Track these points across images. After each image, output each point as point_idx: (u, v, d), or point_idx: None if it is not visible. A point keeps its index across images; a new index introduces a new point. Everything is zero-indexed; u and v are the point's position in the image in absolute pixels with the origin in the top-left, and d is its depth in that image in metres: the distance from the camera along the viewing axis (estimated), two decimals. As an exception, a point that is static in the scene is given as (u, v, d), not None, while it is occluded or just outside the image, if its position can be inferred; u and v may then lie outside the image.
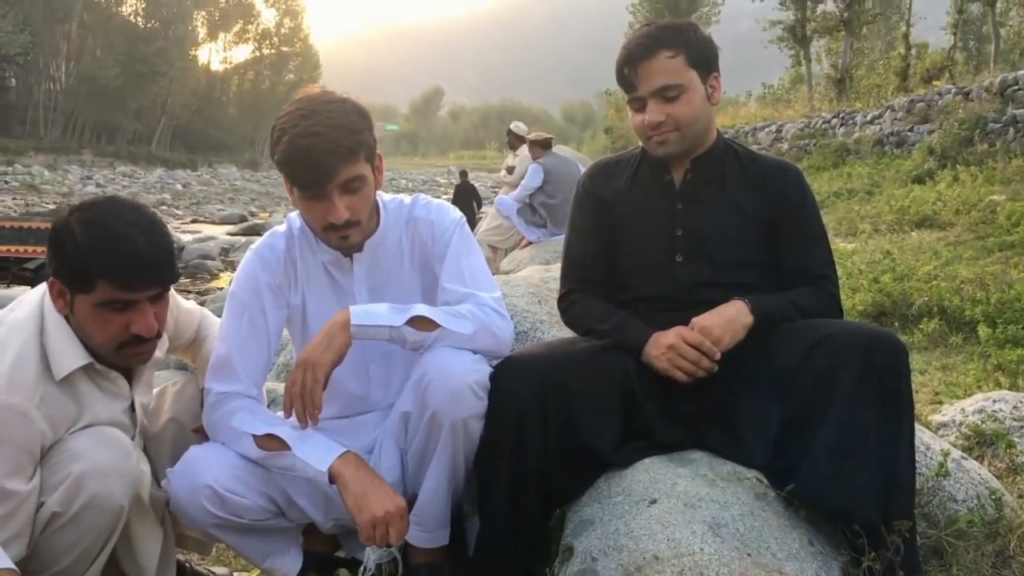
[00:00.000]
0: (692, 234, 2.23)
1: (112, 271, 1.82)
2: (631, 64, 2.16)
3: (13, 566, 1.74)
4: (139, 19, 77.30)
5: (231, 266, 16.15)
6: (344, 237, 2.05)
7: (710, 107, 2.21)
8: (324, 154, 1.93)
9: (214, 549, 2.64)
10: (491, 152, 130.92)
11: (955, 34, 27.98)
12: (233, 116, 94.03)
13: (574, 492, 2.08)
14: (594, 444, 2.04)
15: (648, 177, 2.32)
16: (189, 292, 12.77)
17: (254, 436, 2.02)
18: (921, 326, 5.29)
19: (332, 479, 1.96)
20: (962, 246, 7.97)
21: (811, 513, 1.92)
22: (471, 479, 2.13)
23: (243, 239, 19.74)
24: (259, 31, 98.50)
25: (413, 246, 2.21)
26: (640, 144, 2.33)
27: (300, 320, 2.23)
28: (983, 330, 4.89)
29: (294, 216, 2.21)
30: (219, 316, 2.31)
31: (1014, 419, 3.05)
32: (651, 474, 1.99)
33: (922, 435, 2.39)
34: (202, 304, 3.41)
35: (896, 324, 5.49)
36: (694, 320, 2.08)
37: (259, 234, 2.26)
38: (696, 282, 2.20)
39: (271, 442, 2.01)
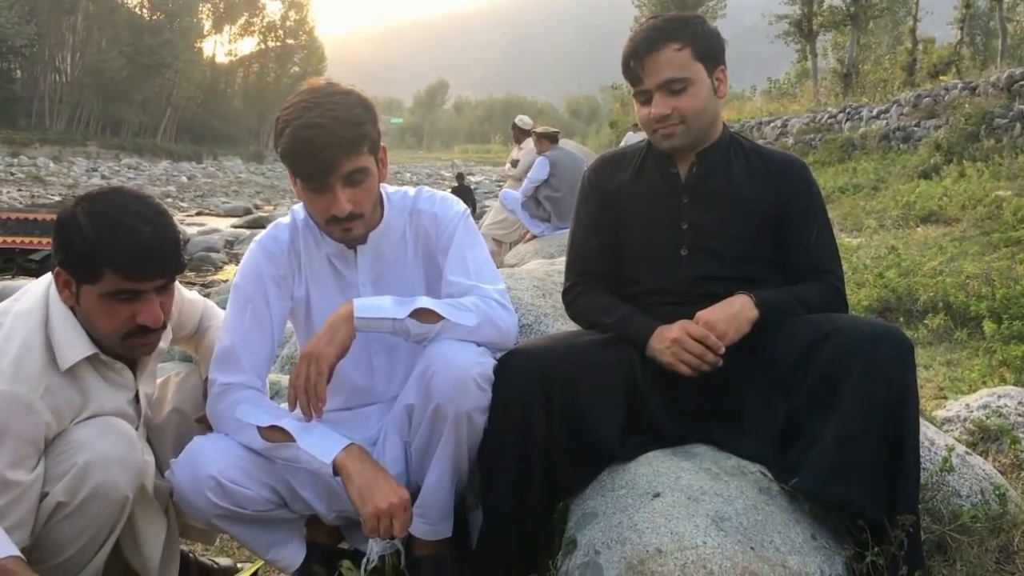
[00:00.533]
0: (697, 228, 2.23)
1: (118, 261, 1.82)
2: (637, 57, 2.15)
3: (19, 553, 1.74)
4: (144, 11, 77.46)
5: (235, 258, 16.18)
6: (347, 230, 2.05)
7: (716, 100, 2.20)
8: (326, 146, 1.92)
9: (218, 540, 2.65)
10: (496, 146, 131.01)
11: (962, 29, 27.92)
12: (238, 108, 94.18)
13: (578, 485, 2.08)
14: (598, 437, 2.04)
15: (653, 170, 2.31)
16: (193, 284, 12.81)
17: (259, 427, 2.03)
18: (926, 321, 5.28)
19: (336, 471, 1.97)
20: (967, 242, 7.95)
21: (815, 507, 1.92)
22: (474, 472, 2.14)
23: (247, 231, 19.78)
24: (264, 24, 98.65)
25: (417, 238, 2.21)
26: (644, 137, 2.33)
27: (304, 312, 2.23)
28: (988, 326, 4.89)
29: (298, 208, 2.20)
30: (223, 308, 2.31)
31: (1019, 415, 3.05)
32: (655, 467, 1.99)
33: (926, 430, 2.38)
34: (206, 296, 3.41)
35: (901, 319, 5.49)
36: (699, 314, 2.08)
37: (263, 226, 2.27)
38: (701, 276, 2.20)
39: (275, 433, 2.01)
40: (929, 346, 5.02)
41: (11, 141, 55.14)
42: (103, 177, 44.59)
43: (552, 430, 1.99)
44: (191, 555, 2.46)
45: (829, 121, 20.39)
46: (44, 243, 14.08)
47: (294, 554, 2.23)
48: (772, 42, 35.14)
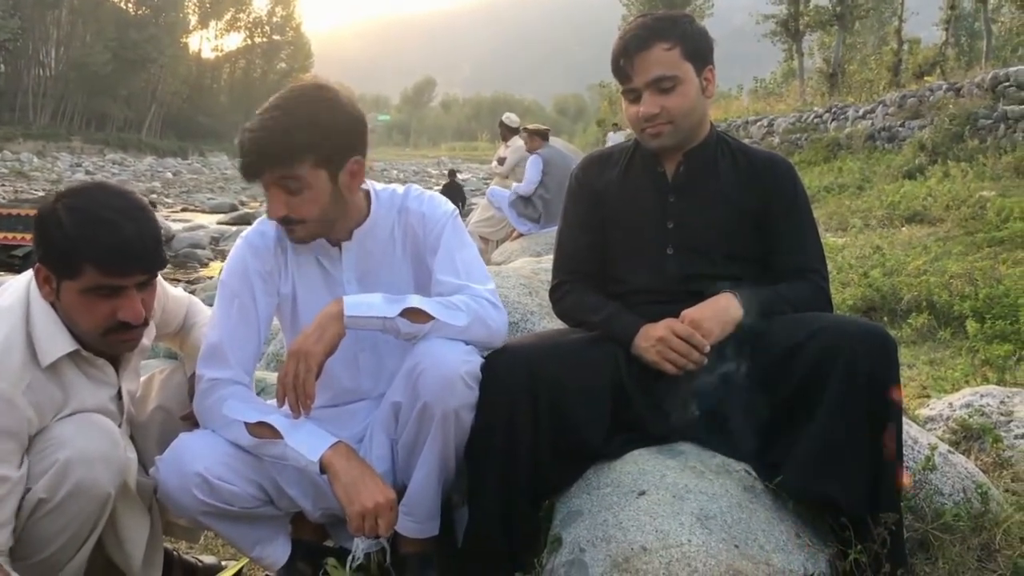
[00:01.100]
0: (683, 227, 2.23)
1: (98, 257, 1.81)
2: (627, 55, 2.15)
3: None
4: (129, 5, 77.00)
5: (221, 255, 16.10)
6: (290, 231, 2.06)
7: (704, 100, 2.21)
8: (253, 152, 1.96)
9: (202, 538, 2.64)
10: (483, 143, 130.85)
11: (947, 30, 28.08)
12: (224, 104, 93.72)
13: (563, 483, 2.09)
14: (584, 435, 2.05)
15: (640, 169, 2.31)
16: (179, 281, 12.73)
17: (246, 424, 2.02)
18: (910, 321, 5.31)
19: (323, 469, 1.96)
20: (951, 241, 8.00)
21: (799, 506, 1.93)
22: (461, 469, 2.14)
23: (233, 228, 19.66)
24: (251, 19, 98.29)
25: (405, 236, 2.21)
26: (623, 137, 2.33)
27: (290, 308, 2.22)
28: (971, 325, 4.91)
29: None
30: (209, 305, 2.30)
31: (1001, 414, 3.07)
32: (640, 466, 1.99)
33: (909, 429, 2.40)
34: (192, 293, 3.39)
35: (885, 319, 5.51)
36: (684, 313, 2.08)
37: (249, 223, 2.26)
38: (687, 275, 2.20)
39: (263, 430, 2.00)
40: (913, 345, 5.04)
41: (-6, 135, 54.76)
42: (87, 172, 44.36)
43: (539, 428, 2.00)
44: (175, 553, 2.44)
45: (815, 121, 20.50)
46: (27, 239, 13.96)
47: (279, 551, 2.22)
48: (759, 41, 35.28)
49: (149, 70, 73.53)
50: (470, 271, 2.13)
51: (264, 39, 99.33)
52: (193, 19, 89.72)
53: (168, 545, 2.41)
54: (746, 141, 2.60)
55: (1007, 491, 2.51)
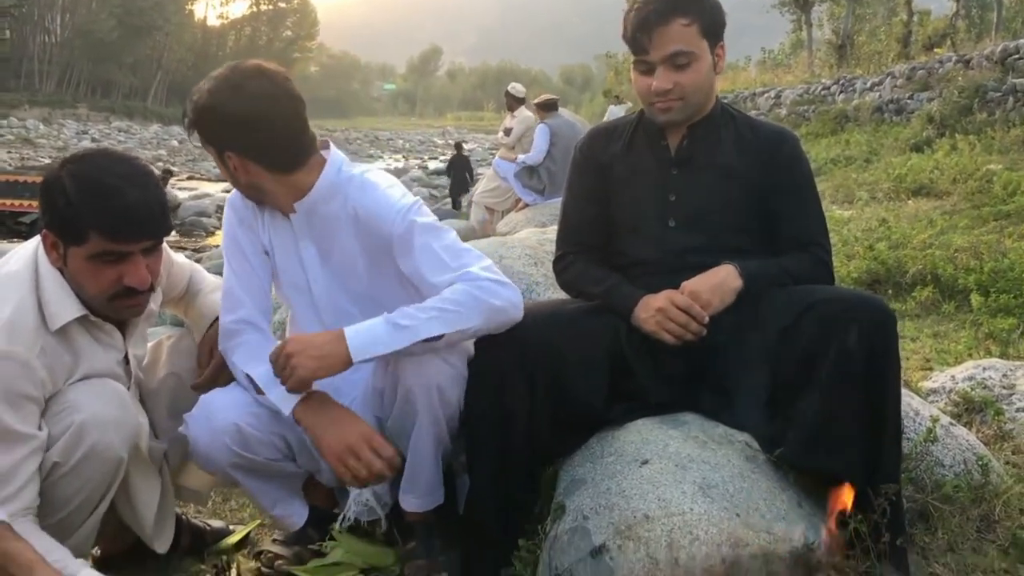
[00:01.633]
0: (685, 199, 2.23)
1: (103, 223, 1.82)
2: (645, 28, 2.10)
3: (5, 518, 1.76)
4: (135, -28, 76.27)
5: (227, 224, 16.05)
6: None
7: (714, 76, 2.20)
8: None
9: (210, 502, 2.67)
10: (489, 114, 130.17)
11: (957, 1, 27.70)
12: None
13: (564, 452, 2.12)
14: (583, 403, 2.07)
15: (644, 142, 2.31)
16: (185, 249, 12.74)
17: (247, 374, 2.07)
18: (914, 294, 5.31)
19: (299, 423, 2.00)
20: (958, 215, 7.97)
21: (800, 477, 1.95)
22: (459, 439, 2.16)
23: (239, 197, 19.59)
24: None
25: (357, 221, 2.11)
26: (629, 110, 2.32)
27: (272, 262, 2.23)
28: (975, 299, 4.92)
29: None
30: (215, 274, 2.33)
31: (1003, 387, 3.08)
32: (643, 435, 2.01)
33: (911, 401, 2.41)
34: (198, 261, 3.41)
35: (890, 291, 5.51)
36: (684, 284, 2.09)
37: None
38: (688, 247, 2.20)
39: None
40: (917, 318, 5.05)
41: (0, 102, 54.56)
42: (93, 140, 44.18)
43: (535, 400, 2.01)
44: (184, 517, 2.48)
45: (823, 92, 20.33)
46: (33, 206, 13.97)
47: (298, 512, 2.28)
48: (768, 12, 34.92)
49: (154, 37, 73.16)
50: (459, 257, 2.03)
51: (270, 6, 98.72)
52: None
53: (178, 509, 2.44)
54: (753, 113, 2.60)
55: (1008, 463, 2.53)
